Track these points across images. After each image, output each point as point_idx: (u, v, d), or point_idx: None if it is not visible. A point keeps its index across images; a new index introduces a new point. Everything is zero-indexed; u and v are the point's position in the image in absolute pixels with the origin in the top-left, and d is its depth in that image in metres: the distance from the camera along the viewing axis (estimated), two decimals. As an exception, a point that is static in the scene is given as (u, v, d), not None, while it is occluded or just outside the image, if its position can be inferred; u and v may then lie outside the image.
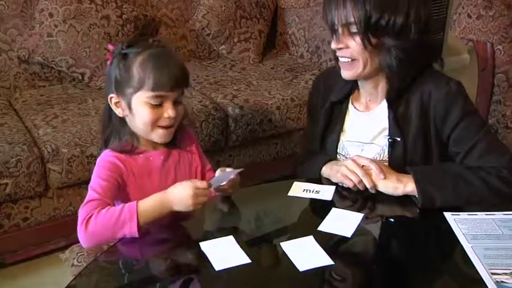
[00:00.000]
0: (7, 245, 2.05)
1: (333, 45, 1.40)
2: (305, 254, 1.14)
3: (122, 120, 1.39)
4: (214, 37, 2.82)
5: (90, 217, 1.22)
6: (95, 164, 1.39)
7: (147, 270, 1.19)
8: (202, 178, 1.48)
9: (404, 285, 1.11)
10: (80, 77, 2.51)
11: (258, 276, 1.13)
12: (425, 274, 1.11)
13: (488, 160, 1.34)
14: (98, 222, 1.22)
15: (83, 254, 1.49)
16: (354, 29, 1.34)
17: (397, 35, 1.34)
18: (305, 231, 1.22)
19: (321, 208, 1.33)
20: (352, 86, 1.51)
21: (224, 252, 1.15)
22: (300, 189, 1.39)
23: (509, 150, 1.39)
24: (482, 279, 1.05)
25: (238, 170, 1.38)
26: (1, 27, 2.44)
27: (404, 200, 1.33)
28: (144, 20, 2.62)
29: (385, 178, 1.34)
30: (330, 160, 1.48)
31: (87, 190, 1.32)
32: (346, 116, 1.52)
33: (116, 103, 1.37)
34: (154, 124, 1.35)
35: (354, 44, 1.36)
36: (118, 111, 1.38)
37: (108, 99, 1.38)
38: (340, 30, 1.37)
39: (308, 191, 1.38)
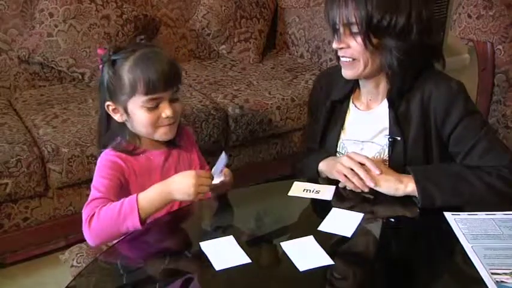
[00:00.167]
0: (7, 245, 2.05)
1: (334, 45, 1.40)
2: (305, 254, 1.14)
3: (122, 123, 1.39)
4: (214, 37, 2.82)
5: (93, 215, 1.23)
6: (95, 164, 1.40)
7: (147, 271, 1.19)
8: None
9: (405, 285, 1.11)
10: (80, 77, 2.51)
11: (258, 276, 1.13)
12: (425, 274, 1.11)
13: (489, 160, 1.34)
14: (100, 219, 1.22)
15: (82, 255, 1.49)
16: (355, 29, 1.34)
17: (398, 36, 1.34)
18: (305, 231, 1.22)
19: (321, 208, 1.33)
20: (353, 85, 1.51)
21: (224, 252, 1.15)
22: (300, 189, 1.39)
23: (510, 150, 1.39)
24: (482, 279, 1.05)
25: (224, 157, 1.32)
26: (1, 27, 2.44)
27: (405, 200, 1.32)
28: (144, 20, 2.62)
29: (381, 173, 1.33)
30: (328, 157, 1.47)
31: (88, 190, 1.32)
32: (347, 115, 1.52)
33: (113, 110, 1.38)
34: (155, 125, 1.36)
35: (355, 44, 1.36)
36: (117, 117, 1.38)
37: (106, 107, 1.38)
38: (341, 29, 1.36)
39: (308, 191, 1.38)
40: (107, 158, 1.37)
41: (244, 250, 1.15)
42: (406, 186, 1.32)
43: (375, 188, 1.33)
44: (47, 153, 2.00)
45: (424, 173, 1.33)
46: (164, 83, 1.32)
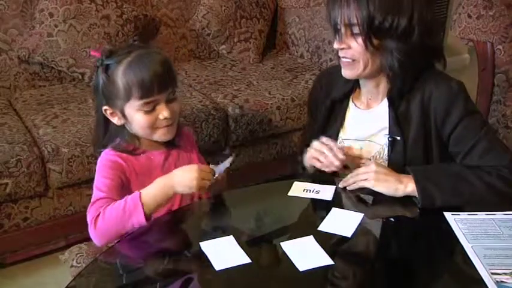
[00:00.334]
0: (7, 245, 2.05)
1: (335, 45, 1.40)
2: (305, 254, 1.14)
3: (120, 125, 1.39)
4: (214, 37, 2.82)
5: (98, 216, 1.23)
6: (95, 163, 1.40)
7: (147, 271, 1.19)
8: None
9: (405, 285, 1.11)
10: (80, 77, 2.51)
11: (258, 276, 1.13)
12: (425, 274, 1.11)
13: (489, 160, 1.34)
14: (105, 218, 1.23)
15: (82, 255, 1.49)
16: (356, 30, 1.34)
17: (399, 37, 1.33)
18: (305, 231, 1.21)
19: (321, 208, 1.33)
20: (353, 85, 1.51)
21: (224, 252, 1.15)
22: (300, 189, 1.39)
23: (510, 150, 1.39)
24: (482, 279, 1.05)
25: (231, 158, 1.34)
26: (1, 27, 2.44)
27: (405, 200, 1.32)
28: (144, 20, 2.62)
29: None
30: None
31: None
32: (347, 114, 1.52)
33: (111, 113, 1.38)
34: (153, 127, 1.36)
35: (356, 45, 1.36)
36: (115, 120, 1.38)
37: (103, 111, 1.37)
38: (342, 30, 1.36)
39: (308, 191, 1.38)
40: (107, 157, 1.37)
41: (244, 250, 1.15)
42: (406, 186, 1.32)
43: (375, 189, 1.33)
44: (47, 153, 2.00)
45: (424, 173, 1.33)
46: (158, 86, 1.32)
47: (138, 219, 1.23)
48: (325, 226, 1.24)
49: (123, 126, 1.39)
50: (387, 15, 1.32)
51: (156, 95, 1.32)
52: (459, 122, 1.36)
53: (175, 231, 1.35)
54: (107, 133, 1.42)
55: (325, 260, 1.12)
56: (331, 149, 1.41)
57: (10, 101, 2.41)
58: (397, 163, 1.40)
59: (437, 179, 1.31)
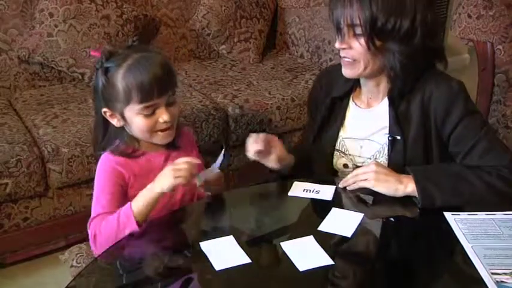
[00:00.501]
0: (7, 245, 2.05)
1: (337, 45, 1.39)
2: (305, 254, 1.14)
3: (120, 127, 1.38)
4: (214, 37, 2.82)
5: (96, 233, 1.29)
6: (95, 163, 1.39)
7: (147, 271, 1.19)
8: None
9: (405, 285, 1.11)
10: (80, 77, 2.51)
11: (258, 276, 1.13)
12: (425, 274, 1.11)
13: (489, 160, 1.34)
14: (103, 235, 1.29)
15: (82, 255, 1.49)
16: (358, 30, 1.34)
17: (401, 39, 1.33)
18: (305, 231, 1.21)
19: (321, 208, 1.33)
20: (354, 84, 1.51)
21: (224, 252, 1.15)
22: (300, 189, 1.39)
23: (510, 150, 1.39)
24: (482, 279, 1.05)
25: (221, 154, 1.35)
26: (1, 27, 2.44)
27: (405, 200, 1.32)
28: (144, 20, 2.62)
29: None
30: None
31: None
32: (347, 113, 1.52)
33: (110, 115, 1.37)
34: (152, 130, 1.35)
35: (358, 46, 1.35)
36: (114, 122, 1.37)
37: (103, 113, 1.37)
38: (345, 30, 1.36)
39: (308, 191, 1.38)
40: (106, 165, 1.37)
41: (244, 250, 1.15)
42: (406, 186, 1.32)
43: (375, 189, 1.33)
44: (47, 153, 2.00)
45: (424, 173, 1.33)
46: (158, 90, 1.31)
47: (131, 228, 1.26)
48: (325, 226, 1.24)
49: (122, 128, 1.39)
50: (390, 16, 1.31)
51: (156, 99, 1.32)
52: (459, 122, 1.36)
53: (175, 231, 1.35)
54: (106, 134, 1.41)
55: (325, 260, 1.12)
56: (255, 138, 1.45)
57: (10, 101, 2.41)
58: (397, 163, 1.40)
59: (437, 179, 1.31)
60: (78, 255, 1.50)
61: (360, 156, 1.49)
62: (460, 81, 1.40)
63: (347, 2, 1.33)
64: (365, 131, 1.48)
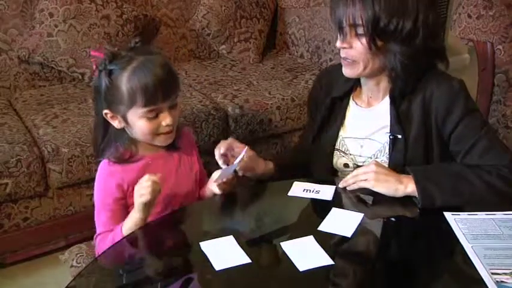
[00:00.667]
0: (7, 245, 2.05)
1: (338, 44, 1.39)
2: (305, 254, 1.14)
3: (121, 129, 1.38)
4: (214, 37, 2.82)
5: (99, 253, 1.33)
6: (95, 163, 1.39)
7: (147, 271, 1.19)
8: (200, 182, 1.49)
9: (405, 285, 1.11)
10: (80, 77, 2.51)
11: (258, 276, 1.13)
12: (425, 274, 1.11)
13: (489, 159, 1.34)
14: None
15: (82, 255, 1.50)
16: (360, 30, 1.34)
17: (403, 40, 1.33)
18: (305, 231, 1.21)
19: (321, 208, 1.33)
20: (354, 83, 1.51)
21: (224, 252, 1.15)
22: (300, 189, 1.39)
23: (510, 149, 1.39)
24: (482, 279, 1.05)
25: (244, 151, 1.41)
26: (1, 27, 2.44)
27: (405, 200, 1.32)
28: (144, 20, 2.62)
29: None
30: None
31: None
32: (347, 112, 1.52)
33: (111, 117, 1.36)
34: (155, 133, 1.35)
35: (359, 45, 1.35)
36: (115, 123, 1.37)
37: (104, 114, 1.36)
38: (347, 29, 1.36)
39: (308, 191, 1.38)
40: (104, 177, 1.37)
41: (244, 250, 1.15)
42: (406, 186, 1.32)
43: (375, 189, 1.33)
44: (47, 153, 2.00)
45: (424, 173, 1.33)
46: (163, 94, 1.31)
47: None
48: (325, 226, 1.24)
49: (122, 130, 1.38)
50: (392, 17, 1.31)
51: (161, 103, 1.32)
52: (460, 121, 1.36)
53: (175, 231, 1.35)
54: (106, 136, 1.40)
55: (325, 260, 1.12)
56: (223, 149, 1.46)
57: (10, 101, 2.41)
58: (397, 162, 1.40)
59: (437, 179, 1.31)
60: (78, 255, 1.50)
61: (360, 156, 1.49)
62: (460, 80, 1.40)
63: (349, 2, 1.33)
64: (365, 130, 1.48)
